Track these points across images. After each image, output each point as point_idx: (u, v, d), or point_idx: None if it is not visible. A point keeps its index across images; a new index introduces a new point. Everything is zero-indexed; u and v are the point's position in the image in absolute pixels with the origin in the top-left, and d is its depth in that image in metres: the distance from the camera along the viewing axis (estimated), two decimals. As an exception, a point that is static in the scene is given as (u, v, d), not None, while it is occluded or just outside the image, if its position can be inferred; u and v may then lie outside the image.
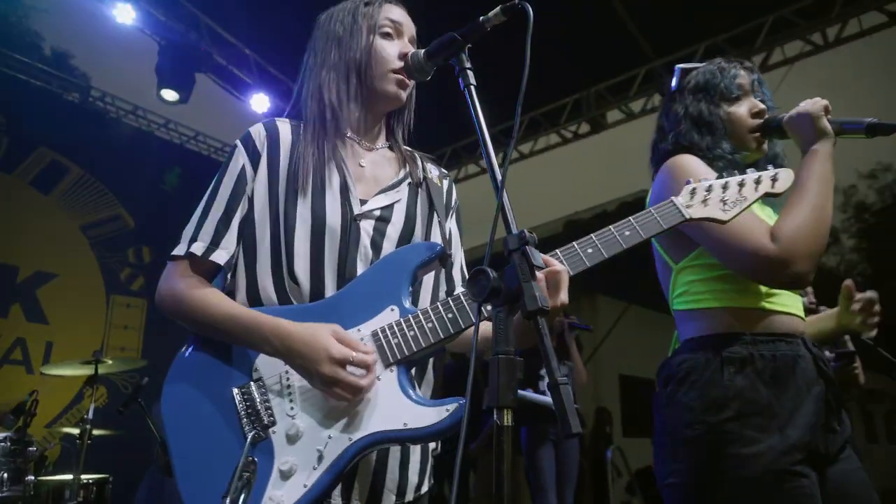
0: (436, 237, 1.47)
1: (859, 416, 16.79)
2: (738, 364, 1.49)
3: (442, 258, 1.36)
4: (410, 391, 1.22)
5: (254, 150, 1.41)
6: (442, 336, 1.23)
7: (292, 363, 1.23)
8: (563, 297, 1.14)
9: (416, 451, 1.38)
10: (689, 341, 1.61)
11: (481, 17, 1.20)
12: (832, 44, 5.55)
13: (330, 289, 1.32)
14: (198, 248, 1.34)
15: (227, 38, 6.09)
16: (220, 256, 1.35)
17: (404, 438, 1.20)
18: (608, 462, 6.05)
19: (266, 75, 6.46)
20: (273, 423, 1.23)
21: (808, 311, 1.87)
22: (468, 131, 7.16)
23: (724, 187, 1.31)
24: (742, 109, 1.71)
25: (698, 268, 1.63)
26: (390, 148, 1.54)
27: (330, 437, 1.19)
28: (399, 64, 1.42)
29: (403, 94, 1.46)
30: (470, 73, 1.19)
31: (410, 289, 1.31)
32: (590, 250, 1.23)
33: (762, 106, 1.71)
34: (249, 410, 1.25)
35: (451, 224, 1.56)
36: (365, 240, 1.35)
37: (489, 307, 0.96)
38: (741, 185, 1.30)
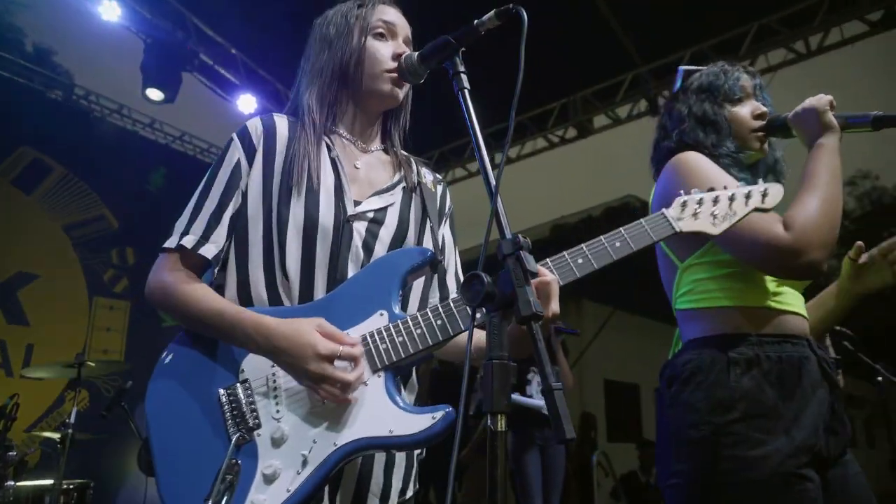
0: (428, 243, 1.46)
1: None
2: (744, 365, 1.48)
3: (433, 264, 1.36)
4: (397, 397, 1.21)
5: (250, 145, 1.40)
6: (431, 343, 1.23)
7: (278, 361, 1.21)
8: (554, 306, 1.15)
9: (401, 456, 1.38)
10: (694, 341, 1.60)
11: (475, 21, 1.19)
12: (814, 52, 5.63)
13: (320, 288, 1.31)
14: (188, 242, 1.33)
15: (215, 37, 6.04)
16: (210, 251, 1.34)
17: (389, 445, 1.19)
18: (594, 467, 6.07)
19: (253, 76, 6.42)
20: (258, 426, 1.22)
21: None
22: (457, 134, 7.18)
23: (715, 201, 1.31)
24: (745, 110, 1.72)
25: (705, 265, 1.62)
26: (385, 151, 1.54)
27: (315, 442, 1.18)
28: (392, 64, 1.42)
29: (399, 93, 1.46)
30: (464, 76, 1.18)
31: (400, 294, 1.31)
32: (580, 261, 1.24)
33: (764, 108, 1.73)
34: (235, 412, 1.23)
35: (445, 230, 1.55)
36: (357, 241, 1.35)
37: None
38: (731, 199, 1.31)
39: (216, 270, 1.38)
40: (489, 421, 0.89)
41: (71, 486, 3.28)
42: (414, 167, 1.54)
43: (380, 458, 1.32)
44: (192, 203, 1.39)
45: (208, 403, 1.25)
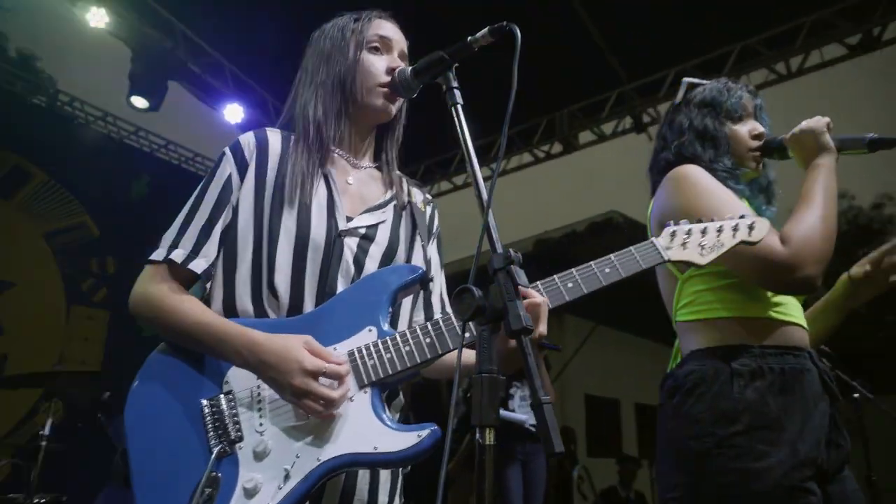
0: (418, 261, 1.47)
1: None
2: (747, 376, 1.49)
3: (423, 282, 1.36)
4: (383, 414, 1.20)
5: (242, 160, 1.40)
6: (419, 360, 1.22)
7: (263, 375, 1.20)
8: (543, 328, 1.15)
9: (386, 474, 1.36)
10: (696, 352, 1.60)
11: (469, 38, 1.21)
12: (795, 73, 5.75)
13: (309, 303, 1.31)
14: (178, 256, 1.32)
15: (203, 46, 6.02)
16: (199, 265, 1.33)
17: (373, 462, 1.18)
18: (574, 481, 6.06)
19: (241, 85, 6.40)
20: (240, 439, 1.20)
21: None
22: (443, 148, 7.20)
23: (703, 232, 1.33)
24: (744, 129, 1.75)
25: (706, 276, 1.64)
26: (378, 168, 1.54)
27: (298, 456, 1.17)
28: (386, 78, 1.42)
29: (392, 108, 1.46)
30: (457, 91, 1.20)
31: (390, 310, 1.30)
32: (570, 284, 1.25)
33: (762, 129, 1.76)
34: (217, 424, 1.22)
35: (432, 250, 1.56)
36: (348, 256, 1.35)
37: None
38: (719, 231, 1.33)
39: (206, 285, 1.37)
40: (477, 434, 0.89)
41: (43, 501, 3.21)
42: (405, 186, 1.54)
43: (364, 473, 1.31)
44: (182, 216, 1.38)
45: (190, 414, 1.23)
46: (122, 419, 1.29)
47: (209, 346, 1.25)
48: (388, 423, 1.18)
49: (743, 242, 1.31)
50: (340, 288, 1.32)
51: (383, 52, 1.47)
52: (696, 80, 1.87)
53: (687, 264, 1.32)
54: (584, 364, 10.04)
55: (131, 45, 5.60)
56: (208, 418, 1.22)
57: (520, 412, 4.69)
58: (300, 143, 1.41)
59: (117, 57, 5.78)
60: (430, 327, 1.24)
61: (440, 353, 1.22)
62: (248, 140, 1.43)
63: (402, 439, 1.15)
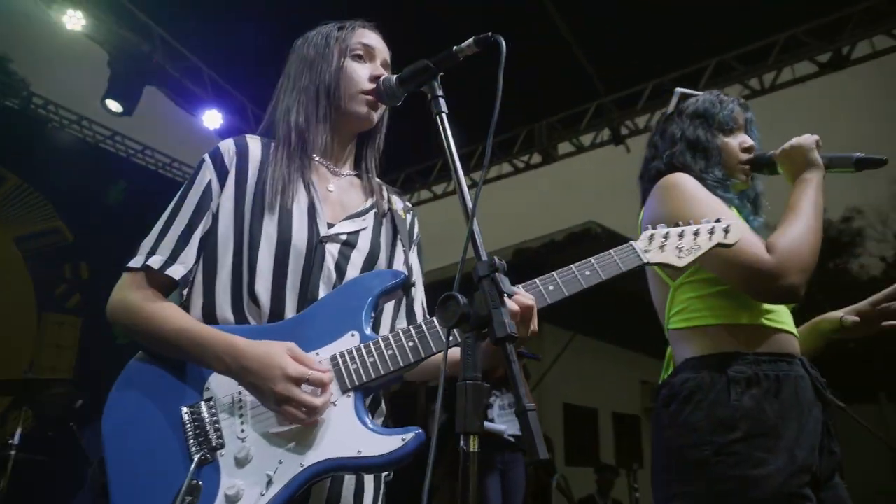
0: (399, 268, 1.47)
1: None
2: (744, 384, 1.50)
3: (405, 287, 1.36)
4: (366, 418, 1.20)
5: (222, 167, 1.40)
6: (402, 364, 1.22)
7: (244, 382, 1.19)
8: (534, 326, 1.17)
9: (370, 479, 1.36)
10: (690, 360, 1.60)
11: (454, 48, 1.22)
12: (768, 89, 5.89)
13: (290, 309, 1.30)
14: (155, 262, 1.31)
15: (182, 51, 5.97)
16: (177, 271, 1.32)
17: (357, 467, 1.17)
18: (553, 490, 6.07)
19: (221, 91, 6.35)
20: (222, 446, 1.19)
21: None
22: (423, 156, 7.22)
23: (680, 235, 1.36)
24: (735, 142, 1.78)
25: (697, 284, 1.65)
26: (358, 175, 1.54)
27: (281, 462, 1.16)
28: (370, 86, 1.43)
29: (374, 115, 1.47)
30: (442, 100, 1.21)
31: (372, 315, 1.30)
32: (551, 287, 1.26)
33: (752, 142, 1.79)
34: (198, 431, 1.20)
35: (413, 257, 1.56)
36: (329, 262, 1.34)
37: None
38: (696, 234, 1.36)
39: (184, 291, 1.36)
40: (461, 441, 0.90)
41: (12, 512, 3.13)
42: (385, 193, 1.55)
43: (349, 481, 1.31)
44: (161, 223, 1.37)
45: (169, 422, 1.22)
46: (96, 428, 1.26)
47: (189, 352, 1.23)
48: (372, 427, 1.18)
49: (719, 245, 1.34)
50: (322, 294, 1.32)
51: (367, 60, 1.48)
52: (688, 91, 1.89)
53: (667, 267, 1.33)
54: (563, 373, 10.08)
55: (108, 48, 5.53)
56: (189, 425, 1.21)
57: (499, 421, 4.71)
58: (281, 150, 1.41)
59: (94, 60, 5.72)
60: (412, 331, 1.24)
61: (423, 356, 1.23)
62: (228, 147, 1.42)
63: (386, 443, 1.15)
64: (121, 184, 6.39)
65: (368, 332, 1.26)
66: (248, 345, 1.20)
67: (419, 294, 1.57)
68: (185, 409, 1.22)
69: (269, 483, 1.14)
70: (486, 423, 4.70)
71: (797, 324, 1.76)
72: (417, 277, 1.57)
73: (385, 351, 1.23)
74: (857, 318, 1.83)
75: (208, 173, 1.39)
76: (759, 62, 5.72)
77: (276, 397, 1.15)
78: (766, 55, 5.67)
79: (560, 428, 10.99)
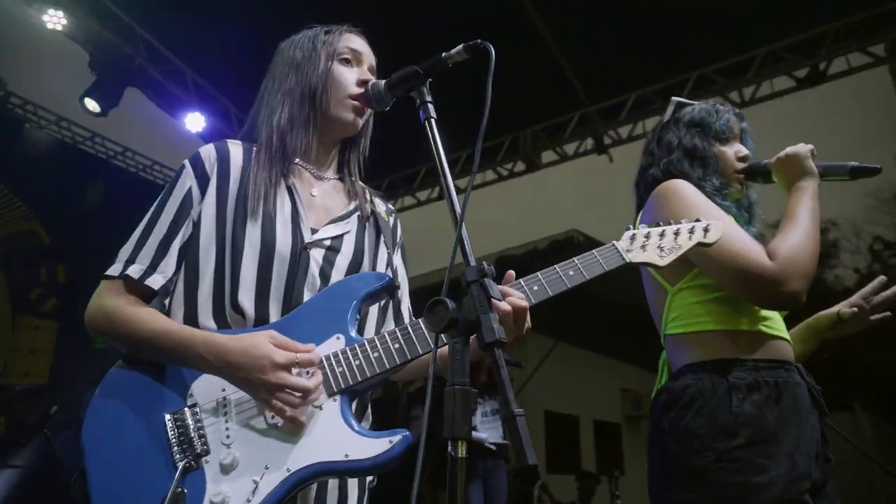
0: (383, 270, 1.46)
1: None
2: (744, 390, 1.49)
3: (390, 290, 1.36)
4: (353, 421, 1.19)
5: (203, 173, 1.37)
6: (388, 366, 1.22)
7: (232, 378, 1.18)
8: (528, 324, 1.20)
9: (354, 486, 1.35)
10: (690, 366, 1.60)
11: (443, 54, 1.23)
12: (748, 102, 6.00)
13: (275, 317, 1.29)
14: (134, 272, 1.29)
15: (165, 53, 5.91)
16: (156, 281, 1.30)
17: (345, 470, 1.17)
18: (535, 497, 6.07)
19: (203, 94, 6.29)
20: (206, 452, 1.17)
21: None
22: (407, 163, 7.22)
23: (661, 235, 1.37)
24: (731, 151, 1.80)
25: (697, 289, 1.64)
26: (341, 179, 1.53)
27: (267, 468, 1.14)
28: (358, 90, 1.43)
29: (360, 121, 1.46)
30: (430, 106, 1.21)
31: (357, 318, 1.30)
32: (535, 288, 1.26)
33: (746, 151, 1.81)
34: (182, 438, 1.18)
35: (398, 260, 1.56)
36: (314, 268, 1.33)
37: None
38: (676, 234, 1.37)
39: (165, 301, 1.34)
40: (449, 447, 0.89)
41: (-18, 520, 3.05)
42: (368, 196, 1.54)
43: (332, 487, 1.29)
44: (140, 230, 1.34)
45: (153, 430, 1.20)
46: (71, 434, 1.24)
47: (172, 353, 1.22)
48: (359, 430, 1.18)
49: (699, 244, 1.35)
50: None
51: (354, 64, 1.48)
52: (684, 100, 1.91)
53: (649, 266, 1.34)
54: (545, 380, 10.10)
55: (89, 49, 5.46)
56: (172, 433, 1.19)
57: (482, 429, 4.71)
58: (262, 154, 1.39)
59: (74, 61, 5.64)
60: (398, 333, 1.24)
61: (409, 358, 1.22)
62: (208, 152, 1.40)
63: (374, 446, 1.14)
64: (100, 186, 6.29)
65: (354, 334, 1.26)
66: (230, 340, 1.19)
67: (405, 296, 1.56)
68: (168, 416, 1.20)
69: (256, 489, 1.13)
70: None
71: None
72: (403, 280, 1.57)
73: (371, 353, 1.22)
74: (854, 309, 1.86)
75: (188, 180, 1.37)
76: (739, 76, 5.82)
77: (269, 386, 1.14)
78: (746, 69, 5.78)
79: (541, 435, 11.00)
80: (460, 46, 1.20)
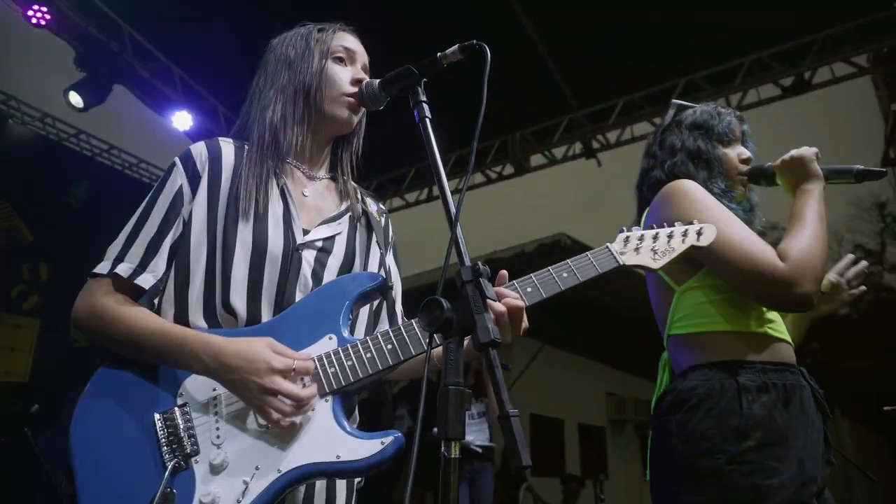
0: (375, 270, 1.46)
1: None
2: (754, 391, 1.49)
3: (383, 290, 1.35)
4: (344, 422, 1.18)
5: (194, 172, 1.35)
6: (381, 367, 1.21)
7: (225, 379, 1.16)
8: (525, 324, 1.20)
9: (342, 488, 1.34)
10: (698, 367, 1.58)
11: (438, 54, 1.23)
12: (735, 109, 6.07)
13: (266, 317, 1.28)
14: (123, 270, 1.27)
15: (152, 50, 5.86)
16: (146, 280, 1.28)
17: (336, 471, 1.16)
18: (520, 500, 6.08)
19: (190, 92, 6.24)
20: (196, 452, 1.16)
21: None
22: (396, 164, 7.22)
23: (655, 238, 1.37)
24: (733, 153, 1.80)
25: (705, 289, 1.63)
26: (333, 179, 1.52)
27: (257, 469, 1.13)
28: (352, 89, 1.42)
29: (354, 119, 1.45)
30: (425, 105, 1.21)
31: (350, 318, 1.29)
32: (529, 289, 1.26)
33: (749, 154, 1.81)
34: (171, 437, 1.17)
35: (390, 260, 1.55)
36: (306, 270, 1.32)
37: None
38: (670, 236, 1.37)
39: (154, 301, 1.32)
40: (443, 447, 0.89)
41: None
42: (360, 196, 1.53)
43: (320, 488, 1.29)
44: (129, 228, 1.32)
45: (142, 429, 1.18)
46: (53, 434, 1.22)
47: (165, 353, 1.20)
48: (351, 431, 1.17)
49: (693, 247, 1.35)
50: None
51: (348, 63, 1.47)
52: (685, 103, 1.90)
53: (641, 269, 1.34)
54: (531, 384, 10.12)
55: (75, 45, 5.40)
56: (162, 432, 1.17)
57: (468, 431, 4.69)
58: (254, 152, 1.38)
59: (59, 57, 5.57)
60: (391, 334, 1.23)
61: (402, 359, 1.22)
62: (199, 150, 1.38)
63: (366, 447, 1.13)
64: (84, 183, 6.21)
65: (346, 334, 1.25)
66: (227, 342, 1.17)
67: (399, 296, 1.56)
68: (157, 416, 1.19)
69: (246, 491, 1.11)
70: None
71: None
72: (396, 280, 1.56)
73: (364, 354, 1.21)
74: (833, 279, 1.88)
75: (179, 178, 1.35)
76: (726, 83, 5.89)
77: (264, 390, 1.12)
78: (733, 77, 5.85)
79: (527, 438, 10.99)
80: (456, 47, 1.20)
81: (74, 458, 1.17)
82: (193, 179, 1.35)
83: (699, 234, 1.37)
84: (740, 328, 1.59)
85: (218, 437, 1.17)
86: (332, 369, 1.21)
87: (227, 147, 1.41)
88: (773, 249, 1.54)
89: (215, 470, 1.14)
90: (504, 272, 1.25)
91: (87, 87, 5.42)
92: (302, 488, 1.23)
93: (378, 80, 1.35)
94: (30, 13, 5.09)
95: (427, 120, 1.19)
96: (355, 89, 1.41)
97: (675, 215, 1.51)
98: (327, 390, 1.19)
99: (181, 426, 1.18)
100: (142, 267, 1.28)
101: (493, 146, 7.04)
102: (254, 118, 1.44)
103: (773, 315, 1.63)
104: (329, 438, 1.15)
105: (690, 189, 1.66)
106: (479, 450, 4.81)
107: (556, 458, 11.52)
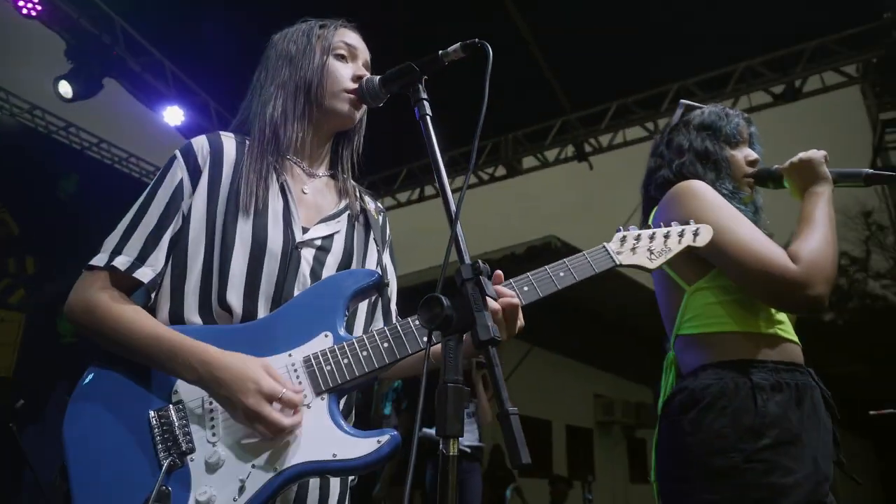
0: (373, 268, 1.45)
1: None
2: (768, 390, 1.49)
3: (380, 287, 1.35)
4: (340, 421, 1.17)
5: (195, 166, 1.34)
6: (377, 365, 1.21)
7: (215, 393, 1.15)
8: (521, 322, 1.20)
9: (335, 485, 1.33)
10: (709, 366, 1.58)
11: (440, 52, 1.22)
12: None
13: (263, 314, 1.27)
14: (121, 263, 1.25)
15: (144, 44, 5.81)
16: (145, 274, 1.26)
17: (333, 470, 1.15)
18: (508, 501, 6.09)
19: (182, 87, 6.20)
20: (192, 450, 1.15)
21: None
22: (387, 164, 7.21)
23: (651, 238, 1.37)
24: (740, 155, 1.79)
25: (716, 290, 1.63)
26: (332, 177, 1.52)
27: (254, 467, 1.12)
28: (353, 85, 1.41)
29: (356, 114, 1.45)
30: (426, 103, 1.21)
31: (346, 315, 1.28)
32: (525, 288, 1.27)
33: (755, 156, 1.81)
34: (166, 435, 1.15)
35: (386, 258, 1.55)
36: (305, 268, 1.32)
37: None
38: (666, 237, 1.38)
39: (151, 295, 1.30)
40: (441, 445, 0.89)
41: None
42: (358, 194, 1.53)
43: (314, 486, 1.28)
44: (127, 220, 1.30)
45: (136, 427, 1.17)
46: (38, 429, 1.21)
47: (158, 359, 1.18)
48: (347, 429, 1.16)
49: (689, 247, 1.36)
50: None
51: (349, 60, 1.46)
52: (693, 103, 1.90)
53: (637, 268, 1.34)
54: (519, 385, 10.14)
55: (65, 37, 5.34)
56: (156, 430, 1.16)
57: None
58: (255, 148, 1.37)
59: (49, 49, 5.51)
60: (387, 332, 1.23)
61: (398, 357, 1.21)
62: (201, 144, 1.37)
63: (362, 445, 1.13)
64: (73, 177, 6.14)
65: (342, 332, 1.24)
66: (222, 355, 1.15)
67: (394, 295, 1.56)
68: (152, 414, 1.17)
69: (242, 489, 1.10)
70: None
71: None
72: (391, 278, 1.56)
73: (360, 352, 1.21)
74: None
75: (180, 171, 1.33)
76: (717, 89, 5.94)
77: (246, 411, 1.11)
78: (724, 83, 5.90)
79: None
80: (457, 45, 1.20)
81: (68, 456, 1.16)
82: (194, 173, 1.33)
83: (696, 234, 1.38)
84: (750, 329, 1.59)
85: (213, 435, 1.16)
86: (329, 367, 1.20)
87: (229, 142, 1.40)
88: (784, 251, 1.54)
89: (211, 468, 1.13)
90: (499, 272, 1.25)
91: (78, 77, 5.36)
92: (295, 486, 1.22)
93: (378, 77, 1.35)
94: (20, 3, 5.03)
95: (428, 117, 1.19)
96: (356, 85, 1.41)
97: (684, 216, 1.51)
98: (323, 388, 1.19)
99: (176, 424, 1.16)
100: (140, 260, 1.26)
101: (486, 147, 7.05)
102: (254, 113, 1.43)
103: (781, 316, 1.64)
104: (325, 437, 1.15)
105: (700, 190, 1.66)
106: (468, 450, 4.81)
107: (543, 459, 11.54)
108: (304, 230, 1.35)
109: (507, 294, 1.18)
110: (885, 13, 5.29)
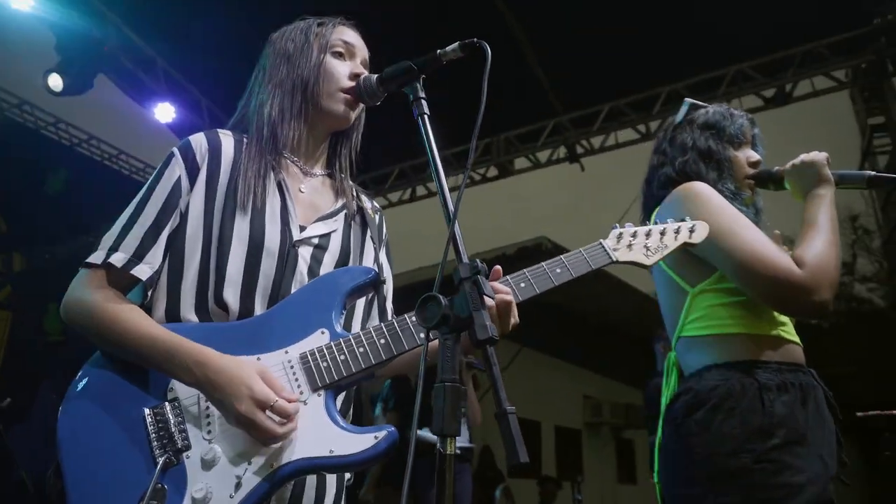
0: (370, 265, 1.45)
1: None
2: (775, 391, 1.49)
3: (376, 284, 1.35)
4: (337, 417, 1.17)
5: (193, 163, 1.34)
6: (374, 362, 1.21)
7: (210, 395, 1.15)
8: (515, 320, 1.21)
9: (332, 484, 1.33)
10: (714, 367, 1.58)
11: (438, 51, 1.23)
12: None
13: (259, 312, 1.27)
14: (118, 260, 1.24)
15: (136, 40, 5.76)
16: (143, 271, 1.25)
17: (330, 466, 1.15)
18: (497, 501, 6.10)
19: (174, 84, 6.15)
20: (187, 448, 1.14)
21: None
22: (378, 164, 7.20)
23: (648, 234, 1.38)
24: (742, 156, 1.80)
25: (720, 292, 1.64)
26: (329, 176, 1.52)
27: (250, 464, 1.12)
28: (349, 84, 1.41)
29: (352, 114, 1.45)
30: (424, 102, 1.21)
31: (343, 312, 1.28)
32: (522, 285, 1.27)
33: (757, 157, 1.82)
34: (162, 433, 1.15)
35: (382, 257, 1.55)
36: (302, 267, 1.32)
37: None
38: (662, 233, 1.38)
39: (148, 292, 1.29)
40: (438, 443, 0.89)
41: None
42: (354, 193, 1.53)
43: (310, 484, 1.27)
44: (125, 217, 1.29)
45: (131, 425, 1.16)
46: (25, 428, 1.20)
47: (154, 360, 1.18)
48: (344, 425, 1.16)
49: (685, 244, 1.36)
50: None
51: (347, 58, 1.46)
52: (697, 102, 1.90)
53: (634, 265, 1.35)
54: (508, 386, 10.14)
55: (56, 31, 5.29)
56: (152, 427, 1.15)
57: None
58: (253, 146, 1.37)
59: (40, 43, 5.45)
60: (384, 328, 1.23)
61: (395, 354, 1.21)
62: (199, 142, 1.36)
63: (359, 442, 1.13)
64: (62, 173, 6.08)
65: (339, 329, 1.24)
66: (219, 357, 1.15)
67: (390, 294, 1.55)
68: (147, 411, 1.17)
69: (238, 486, 1.10)
70: (429, 435, 4.68)
71: None
72: (388, 276, 1.56)
73: (356, 348, 1.21)
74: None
75: (178, 169, 1.33)
76: (709, 92, 5.98)
77: (239, 417, 1.10)
78: (716, 87, 5.95)
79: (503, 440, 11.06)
80: (456, 44, 1.21)
81: (63, 453, 1.15)
82: (192, 171, 1.33)
83: (691, 231, 1.39)
84: (755, 330, 1.60)
85: (209, 432, 1.15)
86: (325, 364, 1.20)
87: (227, 140, 1.40)
88: (789, 256, 1.55)
89: (207, 465, 1.12)
90: (497, 268, 1.26)
91: (69, 72, 5.31)
92: (290, 485, 1.22)
93: (376, 76, 1.35)
94: (10, -4, 4.98)
95: (425, 116, 1.19)
96: (353, 84, 1.41)
97: (689, 216, 1.50)
98: (320, 384, 1.19)
99: (172, 421, 1.16)
100: (138, 257, 1.25)
101: (478, 148, 7.05)
102: (252, 111, 1.43)
103: (784, 318, 1.65)
104: (322, 433, 1.14)
105: (704, 192, 1.66)
106: (458, 451, 4.81)
107: (532, 460, 11.57)
108: (302, 228, 1.35)
109: (501, 290, 1.18)
110: (875, 19, 5.35)
